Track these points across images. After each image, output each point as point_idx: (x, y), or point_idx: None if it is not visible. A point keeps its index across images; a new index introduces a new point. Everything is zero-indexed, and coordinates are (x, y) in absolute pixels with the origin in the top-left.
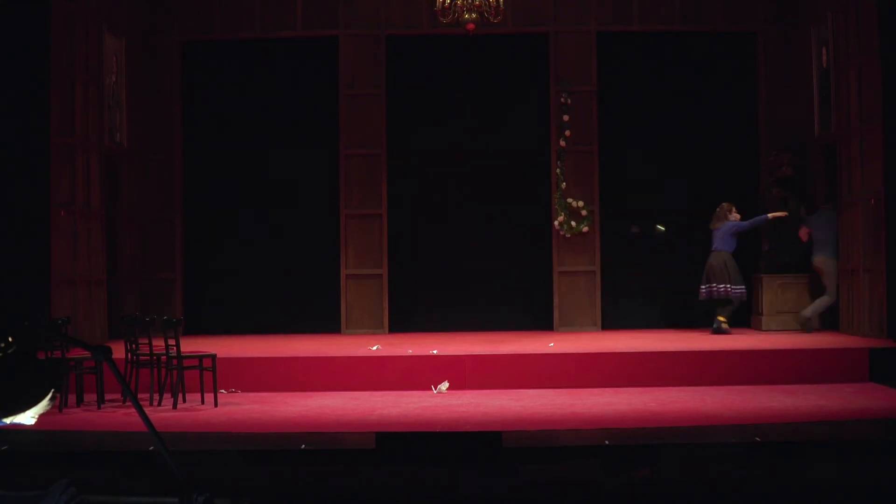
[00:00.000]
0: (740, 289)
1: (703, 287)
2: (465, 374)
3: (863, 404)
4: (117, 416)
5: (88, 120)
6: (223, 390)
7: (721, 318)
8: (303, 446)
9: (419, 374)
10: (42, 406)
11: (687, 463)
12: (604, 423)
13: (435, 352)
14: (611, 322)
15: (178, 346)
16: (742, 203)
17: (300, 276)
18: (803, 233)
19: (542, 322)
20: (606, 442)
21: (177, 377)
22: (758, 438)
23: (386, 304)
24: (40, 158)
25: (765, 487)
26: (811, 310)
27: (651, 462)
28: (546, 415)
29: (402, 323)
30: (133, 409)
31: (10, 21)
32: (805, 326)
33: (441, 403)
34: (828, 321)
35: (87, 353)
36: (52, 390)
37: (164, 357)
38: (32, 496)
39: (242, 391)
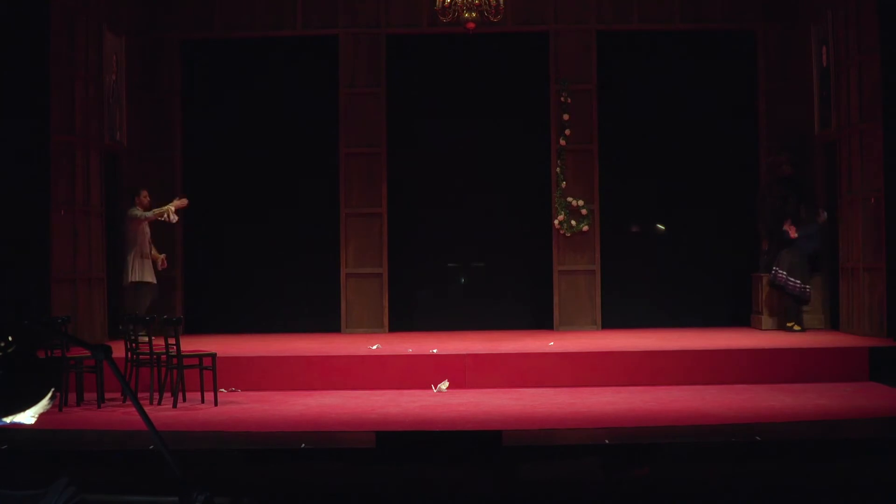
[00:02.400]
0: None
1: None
2: (465, 373)
3: (863, 403)
4: (117, 414)
5: (88, 118)
6: (223, 389)
7: (789, 324)
8: (303, 445)
9: (419, 373)
10: (42, 405)
11: (687, 462)
12: (604, 423)
13: (435, 351)
14: (611, 321)
15: (178, 345)
16: (741, 202)
17: (300, 275)
18: (791, 230)
19: (542, 321)
20: (607, 441)
21: (177, 376)
22: (758, 437)
23: (386, 303)
24: (40, 157)
25: (765, 487)
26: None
27: (651, 461)
28: (546, 414)
29: (402, 322)
30: (133, 408)
31: (9, 19)
32: (790, 328)
33: (441, 402)
34: (828, 320)
35: (86, 352)
36: (52, 389)
37: (164, 356)
38: (32, 495)
39: (242, 390)
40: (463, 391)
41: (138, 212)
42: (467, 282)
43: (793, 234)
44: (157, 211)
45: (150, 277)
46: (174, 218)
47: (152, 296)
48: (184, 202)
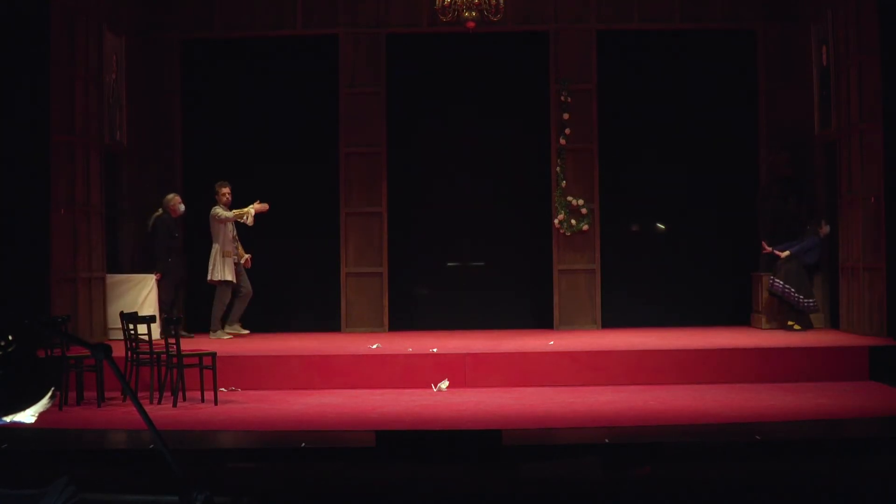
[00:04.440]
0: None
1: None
2: (465, 372)
3: (863, 403)
4: (117, 414)
5: (88, 118)
6: (223, 388)
7: (790, 322)
8: (303, 444)
9: (419, 373)
10: (42, 404)
11: (687, 462)
12: (604, 422)
13: (435, 350)
14: (611, 320)
15: (178, 344)
16: (741, 201)
17: (300, 275)
18: (765, 245)
19: (542, 320)
20: (606, 440)
21: (177, 375)
22: (758, 437)
23: (386, 303)
24: (40, 156)
25: (765, 486)
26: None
27: (651, 460)
28: (546, 413)
29: (402, 321)
30: (133, 408)
31: (9, 19)
32: (790, 327)
33: (441, 401)
34: (828, 320)
35: (86, 351)
36: (52, 388)
37: (165, 355)
38: (32, 494)
39: (242, 389)
40: (463, 390)
41: (220, 211)
42: (468, 281)
43: (779, 254)
44: (237, 212)
45: (230, 276)
46: (251, 221)
47: (231, 294)
48: (265, 207)
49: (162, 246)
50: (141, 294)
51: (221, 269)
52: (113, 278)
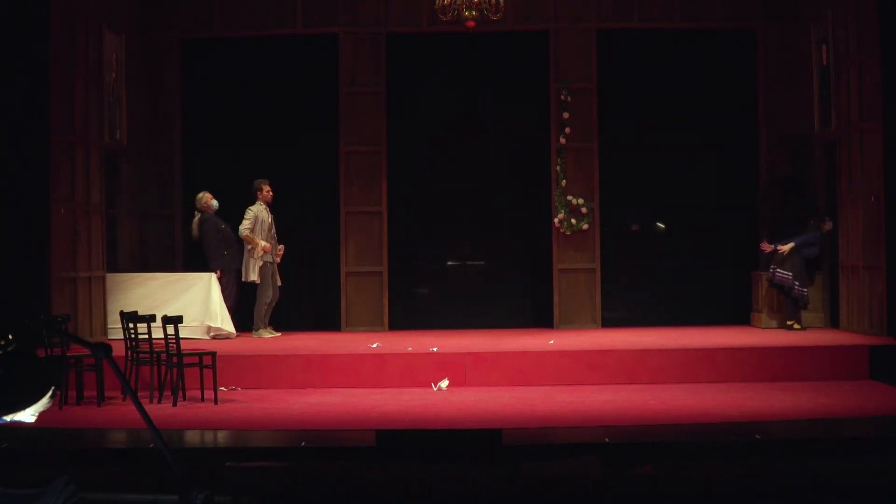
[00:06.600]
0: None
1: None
2: (465, 371)
3: (863, 402)
4: (117, 413)
5: (88, 117)
6: (223, 388)
7: (790, 322)
8: (303, 444)
9: (419, 372)
10: (42, 404)
11: (687, 461)
12: (604, 421)
13: (435, 349)
14: (611, 319)
15: (178, 343)
16: (741, 201)
17: (300, 274)
18: (765, 245)
19: (542, 319)
20: (607, 440)
21: (177, 374)
22: (758, 436)
23: (386, 302)
24: (40, 156)
25: (765, 485)
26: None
27: (651, 460)
28: (546, 412)
29: (402, 320)
30: (133, 407)
31: (9, 19)
32: (790, 327)
33: (441, 401)
34: (828, 319)
35: (86, 351)
36: (52, 388)
37: (164, 354)
38: (32, 493)
39: (242, 389)
40: (463, 389)
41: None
42: (468, 280)
43: (781, 249)
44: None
45: (254, 276)
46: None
47: (264, 293)
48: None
49: (212, 243)
50: (211, 292)
51: (248, 267)
52: (168, 277)
